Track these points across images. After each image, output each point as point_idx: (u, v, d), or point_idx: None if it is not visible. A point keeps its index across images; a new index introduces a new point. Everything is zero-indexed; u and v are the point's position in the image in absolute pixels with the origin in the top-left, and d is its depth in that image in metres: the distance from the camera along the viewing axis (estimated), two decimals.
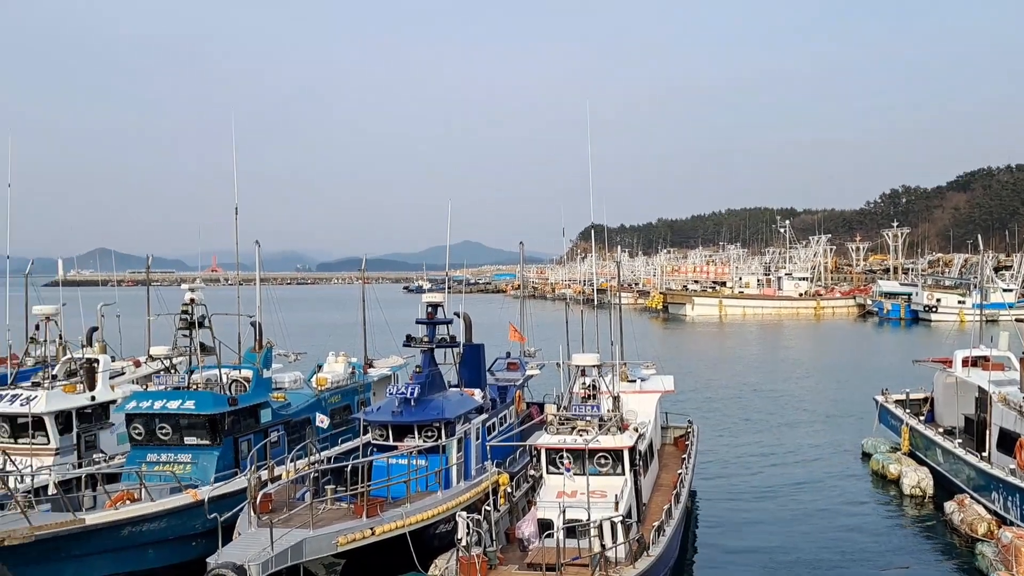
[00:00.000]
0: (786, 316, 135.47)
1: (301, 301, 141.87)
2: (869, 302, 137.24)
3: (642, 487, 24.59)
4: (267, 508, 21.58)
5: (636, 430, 24.53)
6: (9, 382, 30.61)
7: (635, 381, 31.02)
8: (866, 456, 37.64)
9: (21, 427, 27.61)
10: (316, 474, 23.69)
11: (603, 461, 23.10)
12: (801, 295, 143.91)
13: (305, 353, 40.91)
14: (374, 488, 22.75)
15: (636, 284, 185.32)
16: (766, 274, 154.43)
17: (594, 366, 26.30)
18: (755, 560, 25.53)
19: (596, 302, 42.85)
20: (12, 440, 27.60)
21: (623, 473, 23.10)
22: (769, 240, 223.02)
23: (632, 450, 23.30)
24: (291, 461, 25.40)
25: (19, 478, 24.27)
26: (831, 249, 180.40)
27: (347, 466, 24.41)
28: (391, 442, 25.42)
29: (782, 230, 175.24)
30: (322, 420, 29.75)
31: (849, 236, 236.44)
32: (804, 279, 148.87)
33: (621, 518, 20.88)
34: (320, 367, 36.03)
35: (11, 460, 25.51)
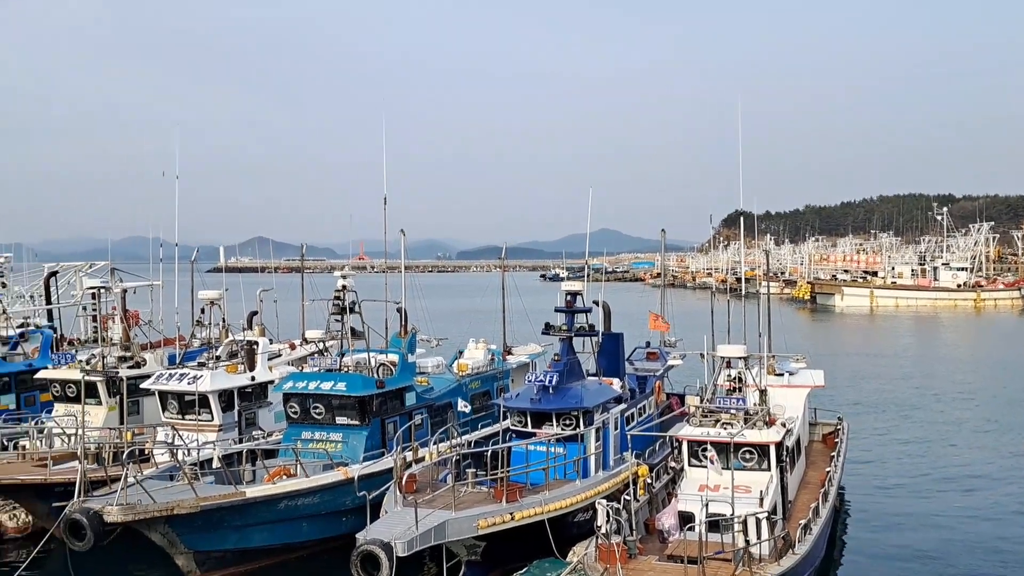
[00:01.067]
0: (943, 308, 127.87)
1: (442, 288, 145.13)
2: None
3: (788, 484, 23.87)
4: (412, 488, 22.26)
5: (783, 425, 23.81)
6: (177, 362, 32.84)
7: (783, 375, 30.10)
8: None
9: (188, 404, 29.56)
10: (458, 457, 24.22)
11: (748, 456, 22.57)
12: (959, 286, 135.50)
13: (446, 339, 41.81)
14: (513, 474, 23.07)
15: (782, 273, 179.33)
16: (921, 264, 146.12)
17: (740, 358, 25.66)
18: (907, 564, 24.34)
19: (742, 291, 41.75)
20: (180, 416, 29.58)
21: (769, 469, 22.50)
22: (924, 228, 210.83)
23: (779, 446, 22.65)
24: (434, 444, 26.07)
25: (186, 451, 26.00)
26: (994, 237, 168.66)
27: (487, 451, 24.87)
28: (530, 429, 25.65)
29: (939, 217, 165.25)
30: (463, 405, 30.34)
31: (1014, 223, 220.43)
32: (963, 269, 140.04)
33: (766, 514, 20.36)
34: (461, 353, 36.74)
35: (179, 435, 27.37)
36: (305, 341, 43.65)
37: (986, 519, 28.31)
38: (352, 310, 29.21)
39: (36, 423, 30.49)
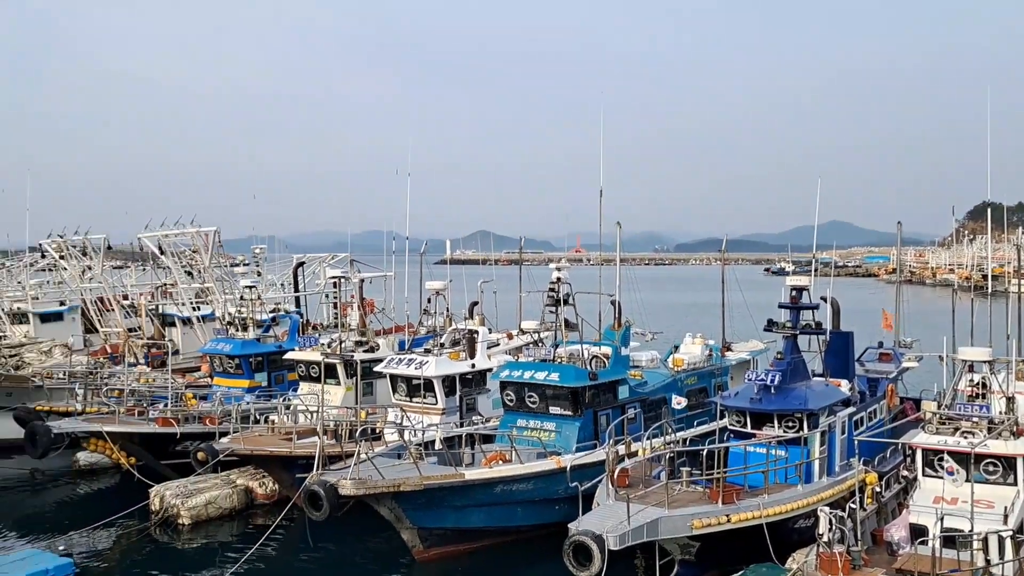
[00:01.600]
0: None
1: (658, 281, 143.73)
2: None
3: None
4: (624, 483, 22.24)
5: None
6: (406, 348, 34.82)
7: None
8: None
9: (415, 388, 31.27)
10: (672, 454, 23.92)
11: (991, 468, 20.63)
12: None
13: (661, 332, 41.37)
14: (730, 475, 22.47)
15: None
16: None
17: (985, 361, 23.46)
18: None
19: (988, 290, 38.15)
20: (408, 399, 31.36)
21: (1015, 484, 20.45)
22: None
23: None
24: (647, 439, 25.90)
25: (412, 432, 27.50)
26: None
27: (703, 450, 24.35)
28: (749, 429, 24.85)
29: None
30: (678, 401, 29.91)
31: None
32: None
33: (1011, 532, 18.54)
34: (677, 348, 36.19)
35: (407, 416, 29.03)
36: (521, 331, 44.89)
37: None
38: (566, 302, 29.63)
39: (284, 400, 33.49)
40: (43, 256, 58.18)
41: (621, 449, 24.36)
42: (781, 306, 27.29)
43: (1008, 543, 18.01)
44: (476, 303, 40.79)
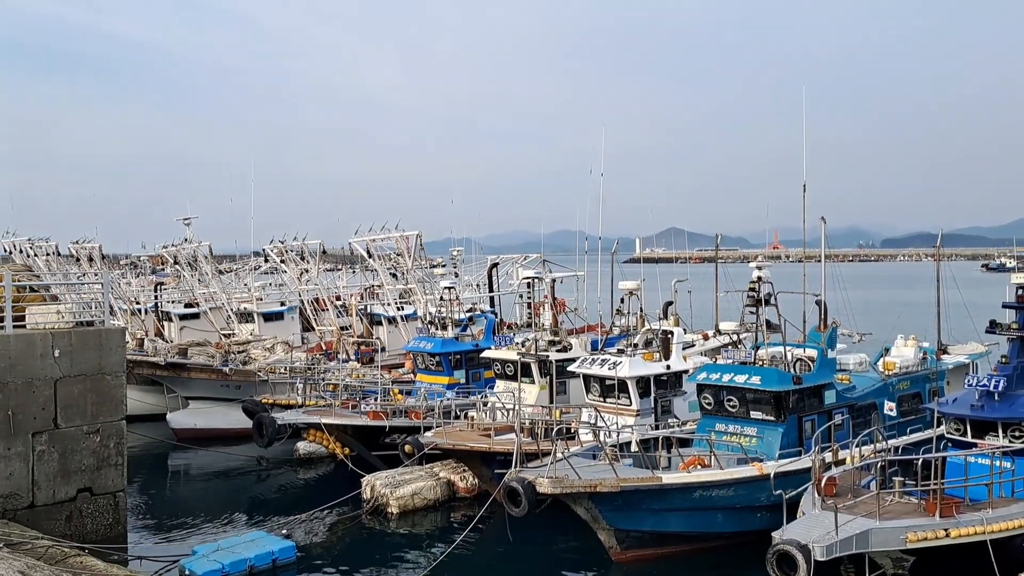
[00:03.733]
0: None
1: (864, 279, 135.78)
2: None
3: None
4: (831, 492, 21.33)
5: None
6: (599, 347, 35.01)
7: None
8: None
9: (609, 388, 31.35)
10: (883, 463, 22.71)
11: None
12: None
13: (871, 334, 39.22)
14: (949, 486, 21.01)
15: None
16: None
17: None
18: None
19: None
20: (602, 399, 31.50)
21: None
22: None
23: None
24: (856, 446, 24.68)
25: (607, 433, 27.61)
26: None
27: (918, 459, 22.91)
28: (969, 438, 23.19)
29: None
30: (890, 407, 28.26)
31: None
32: None
33: None
34: (887, 350, 34.26)
35: (601, 416, 29.18)
36: (718, 332, 43.89)
37: None
38: (767, 302, 28.69)
39: (481, 397, 34.63)
40: (266, 260, 63.40)
41: (828, 456, 23.42)
42: (1005, 306, 25.26)
43: None
44: (671, 303, 40.33)
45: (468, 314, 44.92)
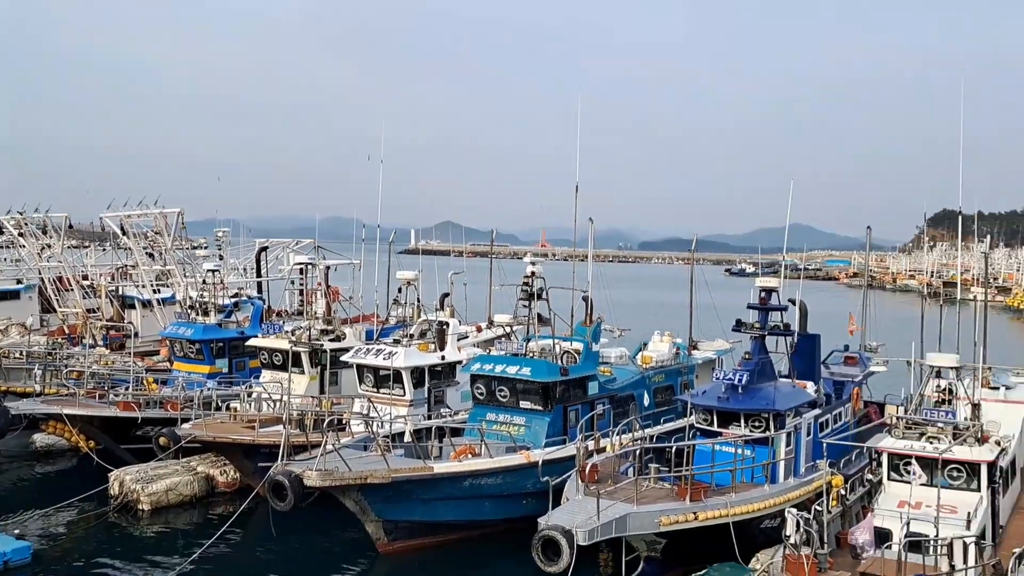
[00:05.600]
0: None
1: (624, 279, 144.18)
2: None
3: (1000, 507, 21.95)
4: (593, 478, 22.20)
5: (998, 443, 21.90)
6: (375, 338, 34.46)
7: (999, 388, 27.66)
8: None
9: (383, 378, 30.98)
10: (640, 451, 23.95)
11: (956, 474, 20.93)
12: None
13: (630, 330, 41.45)
14: (698, 473, 22.54)
15: (995, 279, 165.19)
16: None
17: (952, 368, 23.80)
18: None
19: (945, 296, 38.75)
20: (375, 389, 31.04)
21: (979, 489, 20.78)
22: None
23: (992, 465, 20.88)
24: (616, 435, 25.92)
25: (380, 424, 27.21)
26: None
27: (671, 447, 24.44)
28: (715, 428, 24.99)
29: None
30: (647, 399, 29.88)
31: None
32: None
33: (975, 538, 18.79)
34: (645, 345, 36.32)
35: (375, 407, 28.72)
36: (491, 324, 44.70)
37: None
38: (540, 296, 29.54)
39: (246, 387, 32.96)
40: (1, 232, 56.82)
41: (591, 445, 24.36)
42: (750, 307, 27.45)
43: (972, 549, 18.24)
44: (447, 294, 40.53)
45: (233, 299, 42.78)
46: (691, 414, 26.14)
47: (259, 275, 54.84)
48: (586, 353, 29.84)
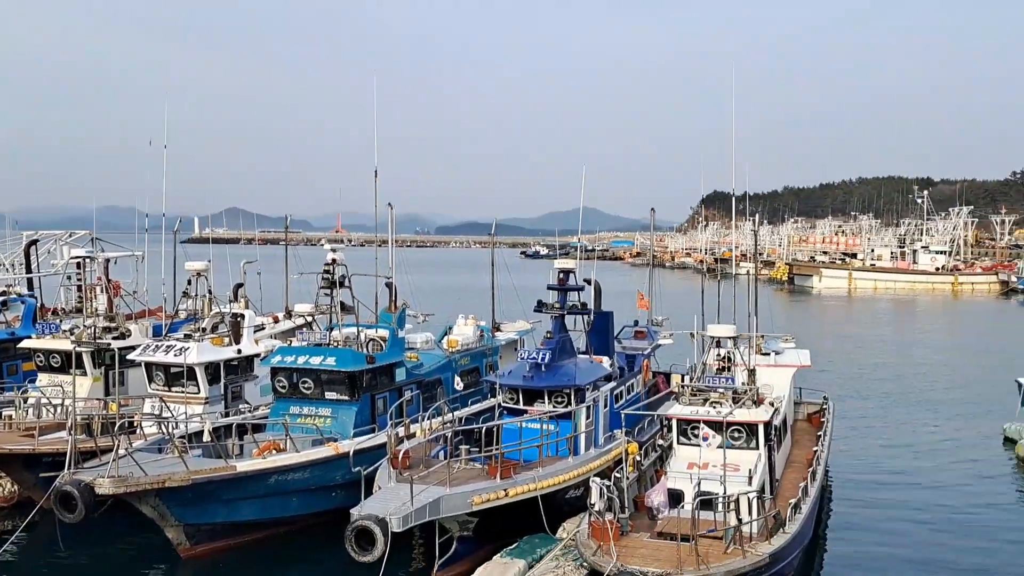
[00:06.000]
0: (921, 291, 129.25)
1: (424, 263, 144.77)
2: (1014, 279, 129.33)
3: (776, 462, 24.16)
4: (405, 465, 22.28)
5: (771, 404, 24.05)
6: (164, 333, 32.56)
7: (769, 354, 30.33)
8: (1009, 441, 35.80)
9: (175, 376, 29.34)
10: (450, 434, 24.26)
11: (737, 434, 22.77)
12: (938, 270, 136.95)
13: (433, 314, 41.74)
14: (507, 451, 23.16)
15: (760, 254, 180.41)
16: (900, 247, 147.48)
17: (730, 337, 25.82)
18: (891, 542, 24.80)
19: (719, 272, 41.92)
20: (167, 388, 29.36)
21: (757, 447, 22.73)
22: (903, 211, 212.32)
23: (767, 425, 22.90)
24: (426, 420, 26.10)
25: (175, 424, 25.80)
26: (972, 222, 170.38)
27: (480, 428, 24.98)
28: (521, 406, 25.74)
29: (919, 200, 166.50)
30: (456, 382, 30.22)
31: (992, 208, 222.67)
32: (942, 253, 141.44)
33: (756, 493, 20.57)
34: (450, 329, 36.69)
35: (167, 407, 27.20)
36: (289, 314, 43.48)
37: (962, 498, 28.83)
38: (342, 284, 29.09)
39: (21, 393, 30.15)
40: None
41: (401, 431, 24.39)
42: (550, 287, 28.43)
43: (755, 502, 19.93)
44: (241, 284, 38.91)
45: (1, 298, 38.99)
46: (498, 394, 26.81)
47: (29, 271, 50.14)
48: (392, 340, 29.74)
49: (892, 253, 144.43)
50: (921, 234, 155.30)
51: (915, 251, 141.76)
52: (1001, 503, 28.60)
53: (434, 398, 29.81)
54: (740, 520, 19.08)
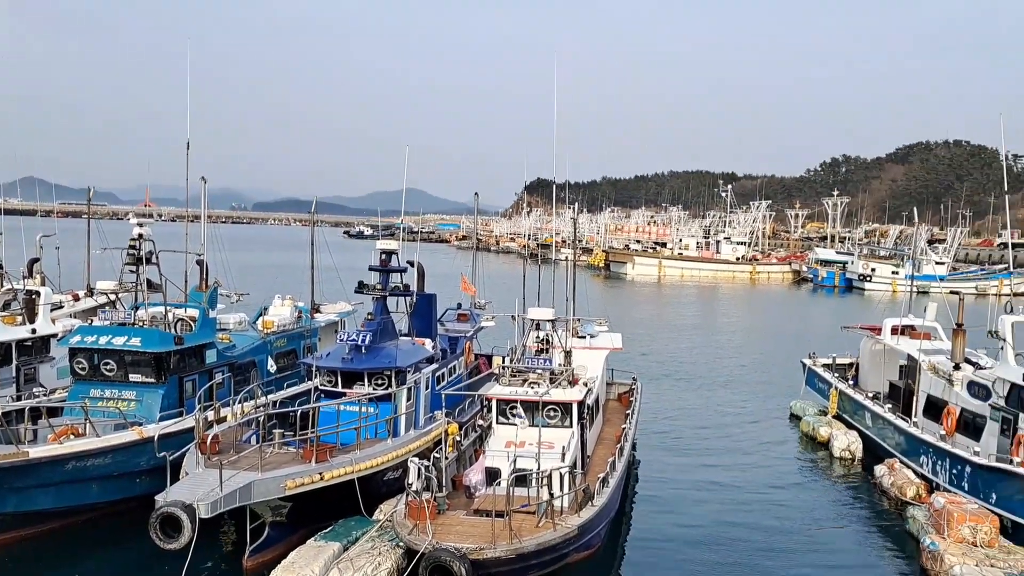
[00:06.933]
0: (723, 279, 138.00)
1: (240, 241, 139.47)
2: (804, 269, 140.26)
3: (587, 440, 25.17)
4: (214, 449, 21.55)
5: (585, 384, 25.02)
6: None
7: (585, 337, 31.49)
8: (794, 418, 38.99)
9: None
10: (263, 417, 23.62)
11: (552, 413, 23.54)
12: (738, 259, 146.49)
13: (248, 294, 40.41)
14: (323, 434, 22.81)
15: (580, 241, 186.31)
16: (705, 237, 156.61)
17: (549, 320, 26.60)
18: (690, 512, 26.46)
19: (540, 257, 43.07)
20: None
21: (571, 426, 23.59)
22: (710, 203, 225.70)
23: (581, 404, 23.80)
24: (238, 403, 25.28)
25: None
26: (770, 215, 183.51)
27: (295, 411, 24.45)
28: (340, 388, 25.43)
29: (723, 194, 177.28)
30: (269, 364, 29.44)
31: (788, 203, 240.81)
32: (742, 244, 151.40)
33: (568, 469, 21.37)
34: (266, 310, 35.68)
35: None
36: (91, 292, 40.77)
37: (753, 471, 31.18)
38: (149, 260, 27.57)
39: None
40: None
41: (210, 415, 23.50)
42: (372, 268, 28.23)
43: (566, 478, 20.72)
44: (36, 260, 36.06)
45: None
46: (315, 377, 26.34)
47: None
48: (202, 320, 28.52)
49: (698, 243, 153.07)
50: (724, 226, 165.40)
51: (718, 241, 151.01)
52: (785, 474, 31.14)
53: (247, 381, 28.91)
54: (552, 495, 19.77)
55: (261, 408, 24.78)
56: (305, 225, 41.66)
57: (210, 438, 21.68)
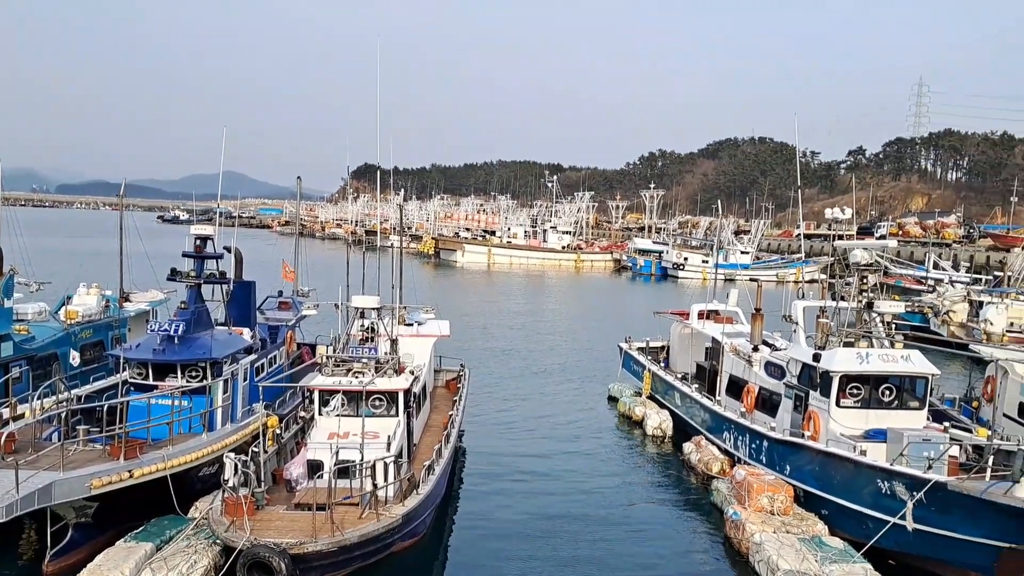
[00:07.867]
0: (549, 267, 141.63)
1: (41, 226, 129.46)
2: (624, 258, 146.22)
3: (414, 428, 25.21)
4: (10, 449, 20.02)
5: (412, 373, 25.04)
6: None
7: (412, 325, 31.47)
8: (612, 399, 40.73)
9: None
10: (66, 413, 22.14)
11: (378, 403, 23.41)
12: (564, 248, 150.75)
13: (50, 283, 37.67)
14: (133, 429, 21.64)
15: (409, 228, 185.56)
16: (533, 226, 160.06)
17: (374, 308, 26.38)
18: (515, 492, 27.10)
19: (367, 244, 42.69)
20: None
21: (397, 415, 23.55)
22: (536, 193, 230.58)
23: (407, 392, 23.79)
24: (37, 399, 23.53)
25: None
26: (593, 206, 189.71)
27: (102, 406, 23.04)
28: (151, 381, 24.25)
29: (550, 184, 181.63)
30: (73, 357, 27.62)
31: (610, 194, 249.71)
32: (567, 233, 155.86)
33: (393, 458, 21.35)
34: (69, 299, 33.41)
35: None
36: None
37: (574, 452, 32.32)
38: None
39: None
40: None
41: (5, 412, 21.79)
42: (185, 255, 27.02)
43: (391, 467, 20.69)
44: None
45: None
46: (124, 369, 24.97)
47: None
48: None
49: (525, 232, 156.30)
50: (551, 215, 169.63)
51: (545, 231, 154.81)
52: (603, 454, 32.47)
53: (48, 375, 26.97)
54: (376, 485, 19.71)
55: (63, 403, 23.20)
56: (115, 209, 39.15)
57: (4, 436, 20.10)
